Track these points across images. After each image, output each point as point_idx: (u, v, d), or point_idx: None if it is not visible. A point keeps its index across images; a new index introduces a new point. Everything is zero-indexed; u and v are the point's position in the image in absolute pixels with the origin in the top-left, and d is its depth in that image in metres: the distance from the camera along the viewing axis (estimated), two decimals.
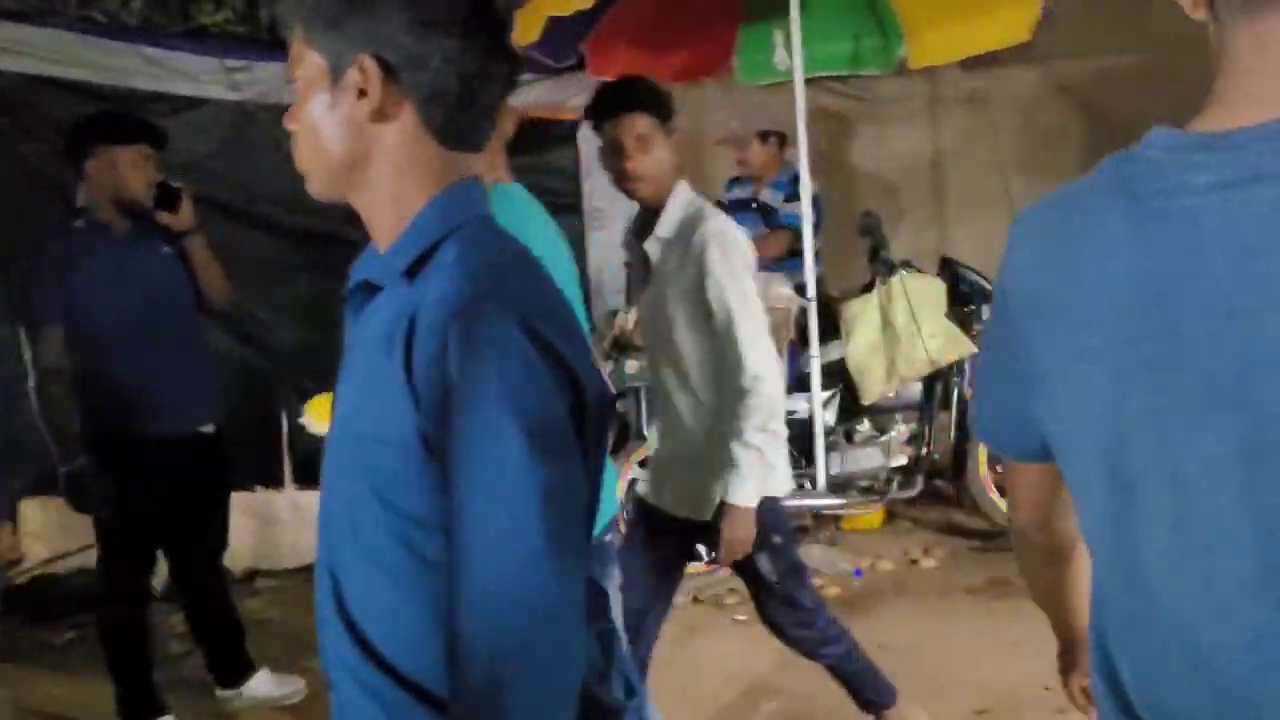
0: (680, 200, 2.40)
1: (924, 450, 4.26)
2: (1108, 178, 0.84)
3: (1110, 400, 0.82)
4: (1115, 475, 0.84)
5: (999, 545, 4.31)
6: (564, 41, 4.49)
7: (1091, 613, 0.94)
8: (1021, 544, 1.15)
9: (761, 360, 2.32)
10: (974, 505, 4.38)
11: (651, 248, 2.44)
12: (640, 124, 2.32)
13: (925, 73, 5.15)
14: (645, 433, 4.03)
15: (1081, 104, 5.37)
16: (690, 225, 2.36)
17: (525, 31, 3.98)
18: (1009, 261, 0.92)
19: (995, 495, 4.31)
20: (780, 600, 2.62)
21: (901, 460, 4.26)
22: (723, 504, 2.36)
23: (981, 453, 4.31)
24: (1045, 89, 5.32)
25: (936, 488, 4.61)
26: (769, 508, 2.45)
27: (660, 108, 2.36)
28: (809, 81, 4.93)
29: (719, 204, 4.77)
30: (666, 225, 2.40)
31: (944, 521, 4.65)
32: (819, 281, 4.31)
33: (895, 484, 4.24)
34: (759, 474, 2.34)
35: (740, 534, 2.38)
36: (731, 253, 2.33)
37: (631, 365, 4.06)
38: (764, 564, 2.52)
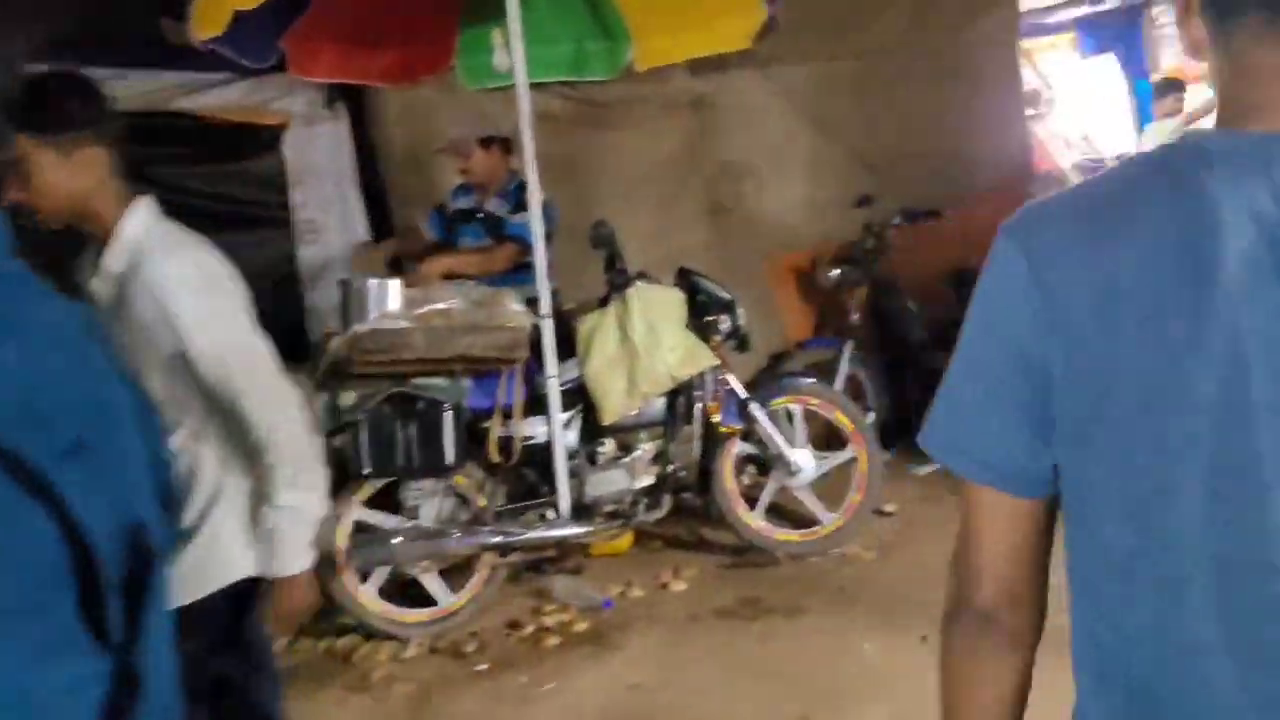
0: (133, 226, 1.91)
1: (669, 467, 4.09)
2: (1167, 169, 0.82)
3: (1224, 395, 0.76)
4: (1223, 474, 0.77)
5: (748, 560, 4.22)
6: (260, 38, 4.01)
7: (1097, 682, 0.89)
8: (971, 637, 0.97)
9: (270, 407, 1.92)
10: (721, 519, 4.25)
11: (100, 286, 1.93)
12: (17, 144, 1.81)
13: (653, 77, 5.02)
14: (365, 470, 3.65)
15: (804, 109, 5.41)
16: (144, 257, 1.88)
17: (207, 24, 3.53)
18: (1032, 259, 0.86)
19: (742, 509, 4.21)
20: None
21: (647, 480, 4.07)
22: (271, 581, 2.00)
23: (727, 466, 4.20)
24: (770, 94, 5.32)
25: (684, 501, 4.47)
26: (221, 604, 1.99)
27: (41, 122, 1.83)
28: (535, 86, 4.71)
29: (443, 212, 4.45)
30: (115, 258, 1.91)
31: (693, 538, 4.52)
32: (553, 296, 4.07)
33: (642, 506, 4.05)
34: (303, 534, 1.97)
35: (293, 604, 2.02)
36: (203, 284, 1.91)
37: (349, 396, 3.66)
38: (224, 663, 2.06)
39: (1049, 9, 9.46)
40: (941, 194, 5.47)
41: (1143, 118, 9.66)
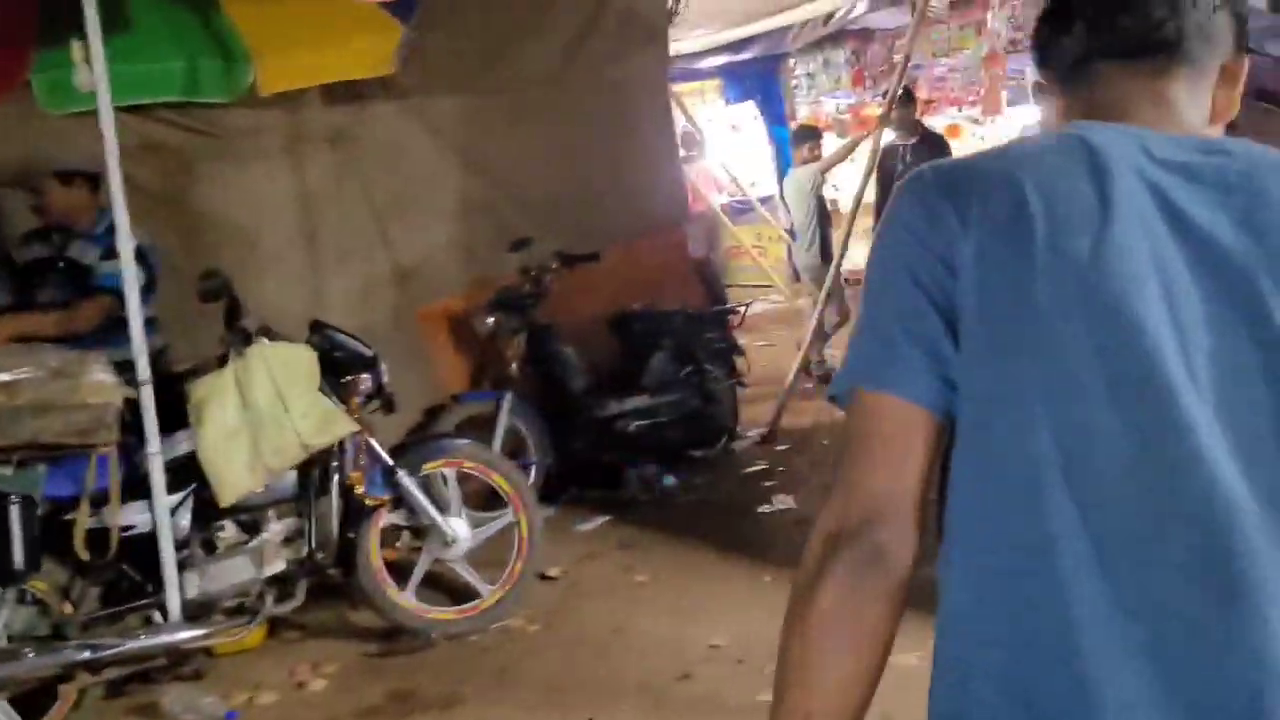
0: None
1: (305, 549, 3.58)
2: (1059, 134, 0.99)
3: (1123, 306, 0.87)
4: (1124, 379, 0.86)
5: (399, 646, 3.79)
6: None
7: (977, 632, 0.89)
8: (859, 573, 0.90)
9: None
10: (368, 601, 3.79)
11: None
12: None
13: (284, 105, 4.51)
14: None
15: (453, 145, 5.08)
16: None
17: None
18: (944, 189, 0.96)
19: (390, 588, 3.77)
20: None
21: (279, 566, 3.53)
22: None
23: (373, 542, 3.74)
24: (415, 128, 4.95)
25: (328, 579, 3.95)
26: None
27: None
28: (135, 110, 4.08)
29: (13, 262, 3.71)
30: None
31: (337, 624, 4.01)
32: (158, 357, 3.48)
33: (272, 596, 3.51)
34: None
35: None
36: None
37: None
38: None
39: (696, 55, 9.76)
40: (599, 236, 5.33)
41: (783, 162, 10.19)
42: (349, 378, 3.66)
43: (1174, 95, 1.01)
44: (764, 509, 4.77)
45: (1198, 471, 0.83)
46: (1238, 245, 0.88)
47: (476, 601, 3.89)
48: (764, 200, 10.44)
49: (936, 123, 8.81)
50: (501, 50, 5.14)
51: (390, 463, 3.70)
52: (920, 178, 0.99)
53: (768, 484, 5.10)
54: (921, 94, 9.37)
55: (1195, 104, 1.02)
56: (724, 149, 10.42)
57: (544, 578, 4.20)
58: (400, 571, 3.90)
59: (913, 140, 6.99)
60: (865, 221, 6.93)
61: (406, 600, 3.80)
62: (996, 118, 9.83)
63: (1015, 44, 9.66)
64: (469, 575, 3.92)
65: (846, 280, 7.94)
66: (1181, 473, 0.83)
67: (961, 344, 0.92)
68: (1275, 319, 0.86)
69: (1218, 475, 0.82)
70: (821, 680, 0.89)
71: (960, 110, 10.09)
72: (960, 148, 8.34)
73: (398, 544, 4.39)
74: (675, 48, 7.87)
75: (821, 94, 11.02)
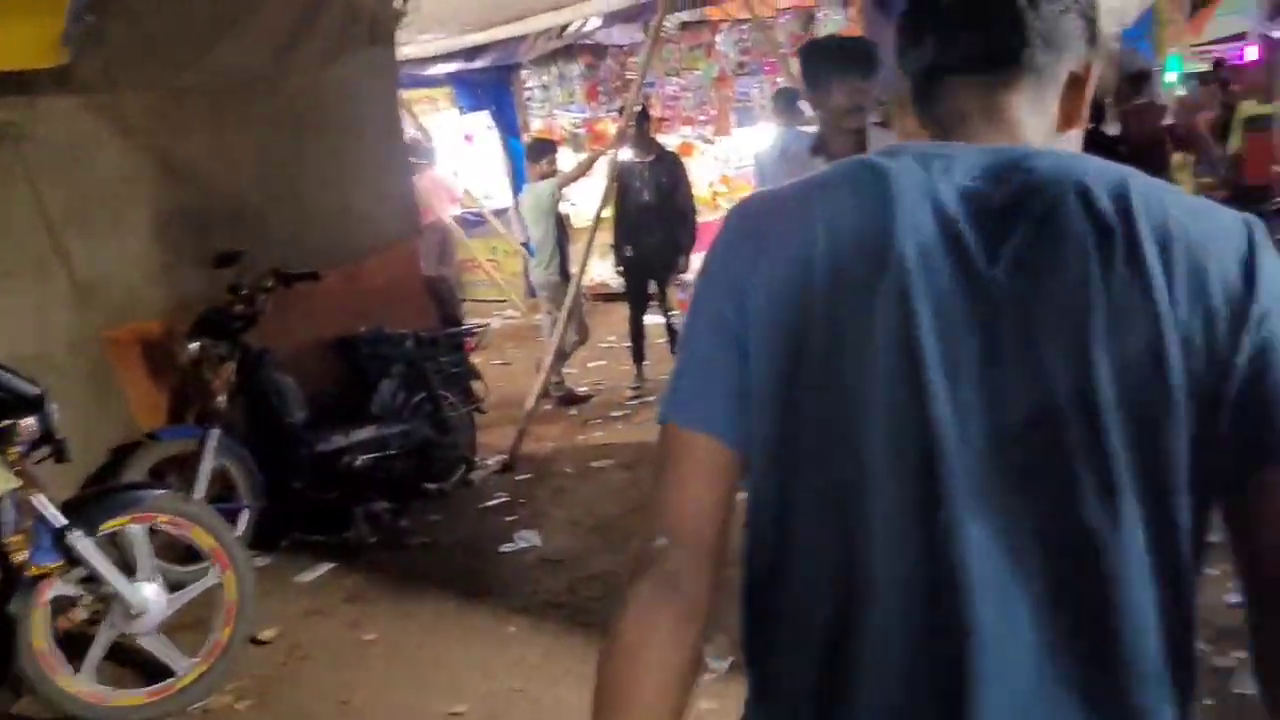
0: None
1: None
2: (868, 163, 0.97)
3: (899, 335, 0.89)
4: (899, 408, 0.88)
5: None
6: None
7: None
8: (655, 604, 0.92)
9: None
10: (31, 690, 3.16)
11: None
12: None
13: None
14: None
15: (148, 147, 4.46)
16: None
17: None
18: (752, 225, 0.98)
19: (60, 673, 3.16)
20: None
21: None
22: None
23: (37, 620, 3.13)
24: (100, 127, 4.29)
25: None
26: None
27: None
28: None
29: None
30: None
31: None
32: None
33: None
34: None
35: None
36: None
37: None
38: None
39: (427, 60, 9.35)
40: (320, 251, 4.87)
41: (518, 175, 9.94)
42: (7, 422, 3.04)
43: (1012, 108, 1.00)
44: (506, 548, 4.45)
45: (951, 519, 0.84)
46: (1016, 280, 0.88)
47: (172, 680, 3.35)
48: (498, 213, 10.15)
49: (670, 141, 8.81)
50: (202, 41, 4.56)
51: (61, 522, 3.10)
52: (735, 209, 1.01)
53: (509, 519, 4.79)
54: (655, 111, 9.38)
55: (1037, 114, 1.00)
56: (457, 159, 10.04)
57: (257, 642, 3.70)
58: (81, 646, 3.30)
59: (650, 158, 6.90)
60: (604, 238, 6.78)
61: (81, 685, 3.20)
62: (726, 138, 10.00)
63: (743, 66, 9.92)
64: (162, 649, 3.37)
65: (585, 297, 7.79)
66: (937, 529, 0.85)
67: (751, 376, 0.93)
68: (1046, 357, 0.85)
69: (967, 528, 0.84)
70: (628, 701, 0.90)
71: (692, 129, 10.20)
72: (693, 166, 8.38)
73: (77, 605, 3.75)
74: (404, 52, 7.44)
75: (555, 107, 10.87)
